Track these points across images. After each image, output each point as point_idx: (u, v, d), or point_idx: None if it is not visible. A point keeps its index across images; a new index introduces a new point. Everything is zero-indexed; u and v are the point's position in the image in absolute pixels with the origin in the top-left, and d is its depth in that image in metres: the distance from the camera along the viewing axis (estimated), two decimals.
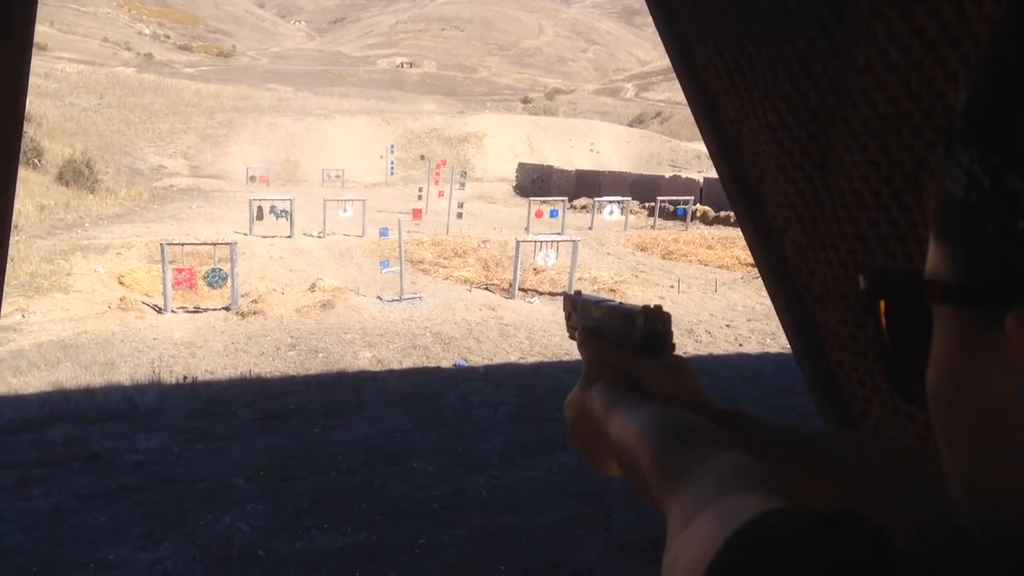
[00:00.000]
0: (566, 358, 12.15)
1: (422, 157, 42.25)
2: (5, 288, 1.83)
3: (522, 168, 46.93)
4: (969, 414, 0.44)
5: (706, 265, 21.47)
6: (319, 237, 23.84)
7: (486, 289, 17.92)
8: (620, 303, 0.91)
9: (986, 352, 0.42)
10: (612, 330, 0.90)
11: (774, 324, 13.09)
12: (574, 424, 0.88)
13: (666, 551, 0.54)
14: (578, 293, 1.03)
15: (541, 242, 18.40)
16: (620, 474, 0.82)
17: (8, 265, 1.87)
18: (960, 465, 0.46)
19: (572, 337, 1.00)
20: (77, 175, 32.84)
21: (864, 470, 0.76)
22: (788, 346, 1.80)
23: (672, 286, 18.58)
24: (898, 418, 1.42)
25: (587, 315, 0.97)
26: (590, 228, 27.53)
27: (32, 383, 10.49)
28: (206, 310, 15.35)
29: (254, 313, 14.81)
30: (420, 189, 32.32)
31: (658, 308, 0.84)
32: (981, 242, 0.41)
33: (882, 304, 0.51)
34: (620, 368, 0.86)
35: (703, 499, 0.55)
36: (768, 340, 13.58)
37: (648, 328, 0.83)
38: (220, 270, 15.56)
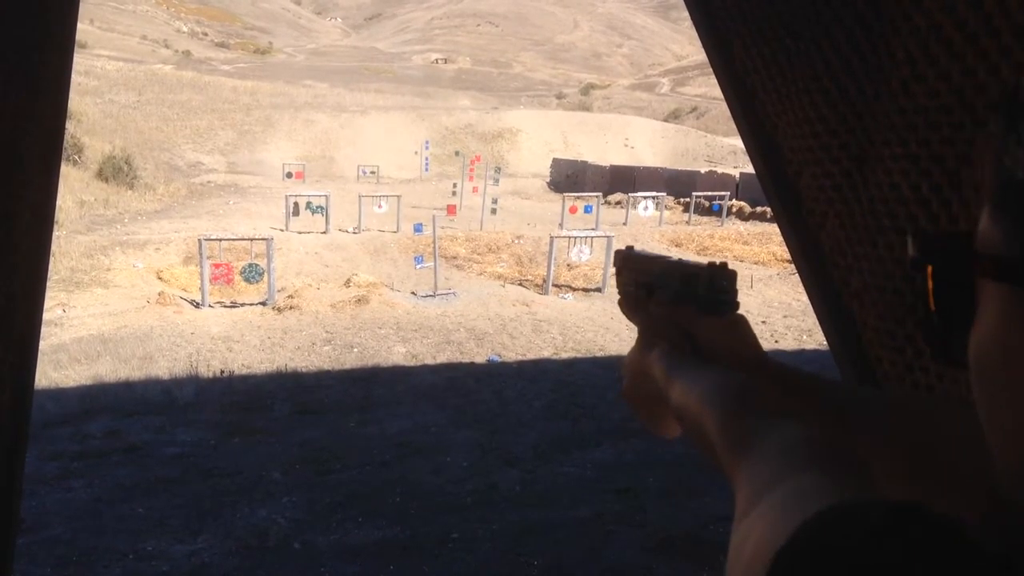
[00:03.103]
0: (600, 354, 12.12)
1: (456, 153, 42.17)
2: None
3: (556, 164, 46.78)
4: (1014, 386, 0.44)
5: (742, 261, 21.26)
6: (354, 233, 23.98)
7: (520, 285, 17.90)
8: (680, 259, 0.88)
9: None
10: (671, 286, 0.87)
11: (811, 320, 12.97)
12: (631, 384, 0.88)
13: (734, 530, 0.53)
14: (630, 248, 1.00)
15: (575, 238, 18.34)
16: (673, 436, 0.83)
17: (49, 260, 1.90)
18: (1003, 435, 0.46)
19: (624, 297, 0.96)
20: (116, 171, 33.28)
21: (933, 442, 0.75)
22: (825, 342, 1.78)
23: None
24: None
25: (642, 271, 0.93)
26: (624, 224, 27.38)
27: (72, 377, 10.64)
28: (243, 305, 15.49)
29: (290, 308, 14.93)
30: (454, 185, 32.31)
31: (724, 265, 0.81)
32: None
33: (929, 268, 0.50)
34: (680, 325, 0.84)
35: (771, 478, 0.54)
36: (804, 337, 13.45)
37: (713, 284, 0.81)
38: (257, 265, 15.70)
